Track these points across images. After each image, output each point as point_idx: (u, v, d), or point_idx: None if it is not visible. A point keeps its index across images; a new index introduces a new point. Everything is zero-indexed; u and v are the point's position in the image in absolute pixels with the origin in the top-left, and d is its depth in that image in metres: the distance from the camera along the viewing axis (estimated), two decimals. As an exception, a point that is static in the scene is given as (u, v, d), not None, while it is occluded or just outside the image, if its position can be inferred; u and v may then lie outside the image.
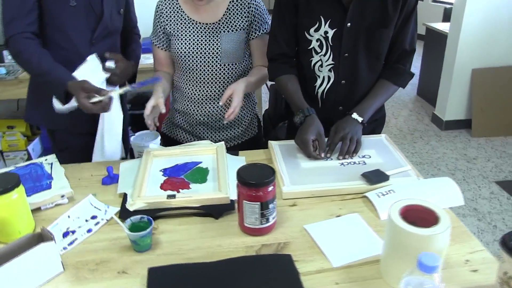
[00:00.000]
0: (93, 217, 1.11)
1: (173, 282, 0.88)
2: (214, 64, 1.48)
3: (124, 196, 1.17)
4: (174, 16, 1.47)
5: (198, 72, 1.49)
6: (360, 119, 1.38)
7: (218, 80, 1.51)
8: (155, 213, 1.08)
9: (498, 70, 3.37)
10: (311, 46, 1.40)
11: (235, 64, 1.51)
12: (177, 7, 1.48)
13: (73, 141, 1.56)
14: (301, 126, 1.36)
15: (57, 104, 1.34)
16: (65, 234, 1.06)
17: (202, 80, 1.50)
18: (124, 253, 0.99)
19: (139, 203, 1.10)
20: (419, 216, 0.88)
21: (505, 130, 3.45)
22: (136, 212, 1.09)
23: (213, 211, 1.10)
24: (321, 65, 1.42)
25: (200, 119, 1.57)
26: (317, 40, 1.38)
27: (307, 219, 1.09)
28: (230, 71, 1.51)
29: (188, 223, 1.09)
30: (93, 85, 1.27)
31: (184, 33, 1.47)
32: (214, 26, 1.46)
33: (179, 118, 1.63)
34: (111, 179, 1.27)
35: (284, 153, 1.37)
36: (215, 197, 1.11)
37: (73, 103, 1.31)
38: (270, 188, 0.99)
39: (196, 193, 1.14)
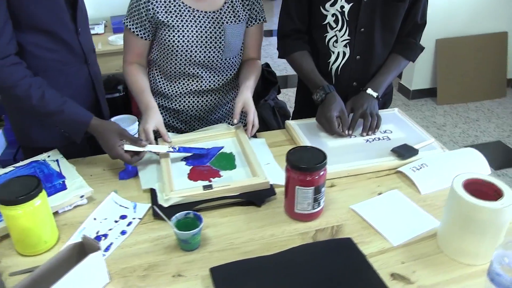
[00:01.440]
0: (123, 217, 1.01)
1: (241, 279, 0.82)
2: (215, 58, 1.31)
3: (152, 192, 1.07)
4: (169, 4, 1.24)
5: (195, 66, 1.31)
6: (375, 94, 1.37)
7: (216, 75, 1.35)
8: (192, 207, 1.00)
9: (459, 39, 3.52)
10: (326, 21, 1.34)
11: (235, 57, 1.36)
12: None
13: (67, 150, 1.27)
14: (323, 104, 1.32)
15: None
16: (97, 239, 0.95)
17: (198, 75, 1.32)
18: (172, 254, 0.91)
19: (174, 198, 1.01)
20: (478, 189, 0.88)
21: (466, 97, 3.64)
22: (171, 208, 1.00)
23: (255, 198, 1.04)
24: (336, 41, 1.37)
25: (194, 114, 1.40)
26: (333, 15, 1.33)
27: (350, 199, 1.07)
28: (230, 65, 1.36)
29: (230, 214, 1.02)
30: (130, 134, 1.14)
31: (182, 22, 1.25)
32: (215, 15, 1.27)
33: (168, 117, 1.42)
34: (129, 173, 1.16)
35: (306, 133, 1.32)
36: (254, 183, 1.05)
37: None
38: (322, 172, 0.95)
39: (232, 181, 1.07)
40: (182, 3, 1.25)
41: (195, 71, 1.32)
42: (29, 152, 1.26)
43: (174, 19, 1.25)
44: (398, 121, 1.40)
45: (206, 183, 1.08)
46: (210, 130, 1.32)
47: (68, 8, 1.17)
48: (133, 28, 1.27)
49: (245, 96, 1.26)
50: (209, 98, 1.39)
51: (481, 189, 0.89)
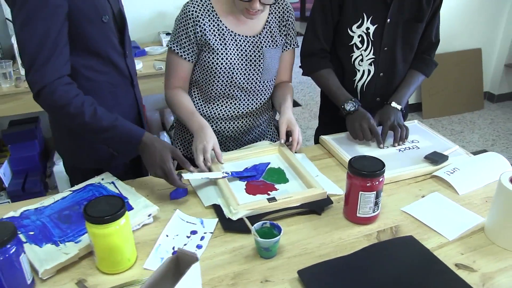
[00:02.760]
0: (193, 232, 1.06)
1: (327, 278, 0.88)
2: (254, 80, 1.39)
3: (216, 207, 1.12)
4: (214, 27, 1.32)
5: (235, 88, 1.38)
6: (399, 107, 1.49)
7: (253, 97, 1.42)
8: (257, 219, 1.06)
9: (439, 56, 3.75)
10: (353, 42, 1.46)
11: (271, 80, 1.45)
12: (214, 17, 1.32)
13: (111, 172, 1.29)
14: (352, 116, 1.42)
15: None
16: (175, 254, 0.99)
17: (237, 97, 1.40)
18: (253, 262, 0.96)
19: (243, 211, 1.07)
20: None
21: (449, 110, 3.89)
22: (235, 221, 1.06)
23: (315, 207, 1.11)
24: (361, 60, 1.49)
25: (229, 135, 1.47)
26: (359, 36, 1.45)
27: (399, 203, 1.16)
28: (266, 87, 1.44)
29: (295, 223, 1.09)
30: (181, 154, 1.18)
31: (225, 46, 1.32)
32: (255, 39, 1.36)
33: None
34: (180, 193, 1.19)
35: (342, 145, 1.41)
36: (313, 194, 1.12)
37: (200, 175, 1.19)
38: (381, 178, 1.04)
39: (290, 193, 1.14)
40: (226, 27, 1.34)
41: (234, 93, 1.40)
42: (75, 173, 1.29)
43: (218, 42, 1.33)
44: (421, 132, 1.53)
45: (265, 196, 1.15)
46: (254, 147, 1.39)
47: (116, 30, 1.23)
48: (180, 52, 1.34)
49: (288, 116, 1.34)
50: (244, 120, 1.46)
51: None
